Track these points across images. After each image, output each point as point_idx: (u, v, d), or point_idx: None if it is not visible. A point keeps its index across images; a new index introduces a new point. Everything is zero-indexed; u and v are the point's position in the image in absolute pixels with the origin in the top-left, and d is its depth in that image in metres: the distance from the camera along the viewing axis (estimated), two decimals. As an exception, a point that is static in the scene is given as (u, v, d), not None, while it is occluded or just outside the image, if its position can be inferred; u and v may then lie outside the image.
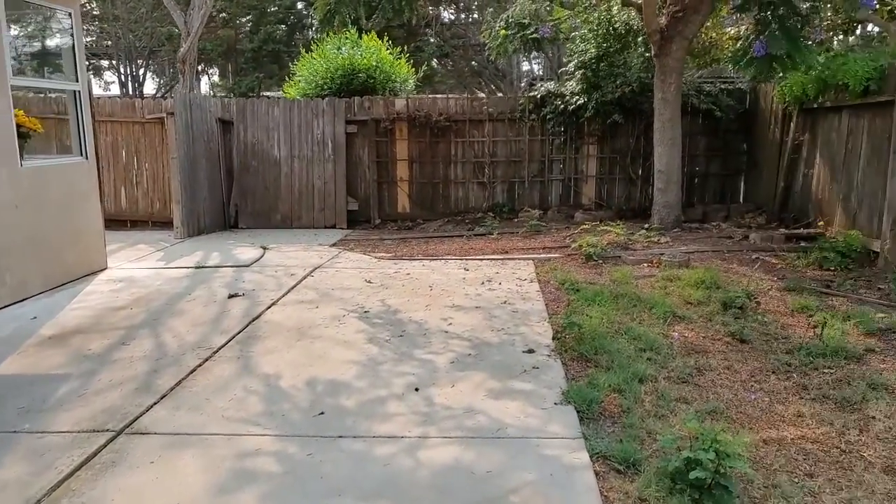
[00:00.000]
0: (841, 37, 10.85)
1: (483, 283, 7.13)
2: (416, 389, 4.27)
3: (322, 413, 3.94)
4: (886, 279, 6.66)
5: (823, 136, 8.90)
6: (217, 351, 5.05)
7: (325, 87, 12.46)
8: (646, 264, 7.71)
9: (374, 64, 12.49)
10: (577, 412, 3.87)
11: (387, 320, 5.81)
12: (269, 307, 6.26)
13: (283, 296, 6.69)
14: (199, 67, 31.23)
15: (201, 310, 6.21)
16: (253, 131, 11.85)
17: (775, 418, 3.89)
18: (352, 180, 11.96)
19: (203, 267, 8.18)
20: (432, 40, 28.19)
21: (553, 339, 5.16)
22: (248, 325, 5.68)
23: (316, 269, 8.01)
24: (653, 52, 9.20)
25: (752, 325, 5.43)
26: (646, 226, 9.61)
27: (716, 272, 6.90)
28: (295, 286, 7.11)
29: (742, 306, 5.69)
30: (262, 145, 11.85)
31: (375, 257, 8.77)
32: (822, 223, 8.63)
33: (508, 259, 8.39)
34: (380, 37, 13.40)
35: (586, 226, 9.82)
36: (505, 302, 6.32)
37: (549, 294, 6.59)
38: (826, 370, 4.55)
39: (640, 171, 11.41)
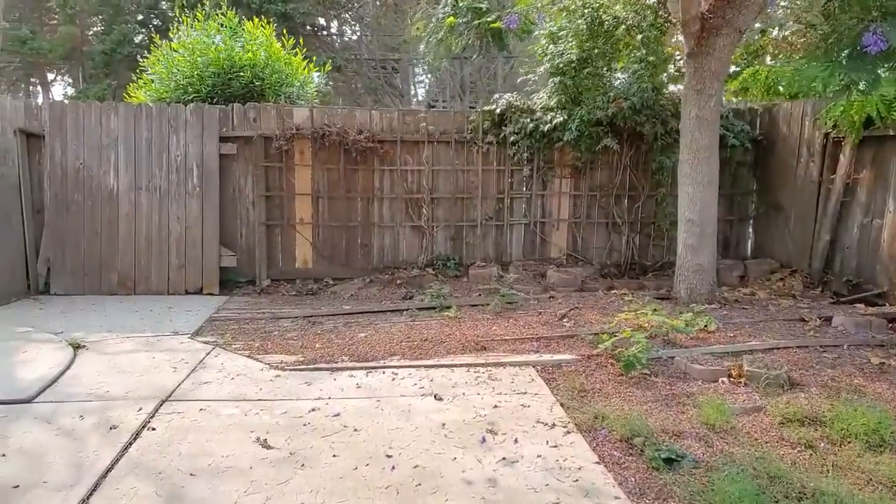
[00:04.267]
0: None
1: (482, 440, 3.86)
2: None
3: None
4: None
5: (904, 174, 6.49)
6: None
7: (191, 89, 8.74)
8: (725, 379, 4.78)
9: (263, 60, 8.94)
10: None
11: None
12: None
13: (76, 512, 3.08)
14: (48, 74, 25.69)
15: None
16: (76, 150, 7.90)
17: None
18: (228, 223, 8.30)
19: (-65, 405, 4.29)
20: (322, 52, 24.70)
21: None
22: None
23: (163, 403, 4.39)
24: (686, 50, 6.42)
25: None
26: (655, 293, 6.77)
27: (859, 405, 4.06)
28: (112, 469, 3.49)
29: None
30: (90, 171, 7.92)
31: (270, 365, 5.25)
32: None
33: (494, 365, 5.18)
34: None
35: (581, 294, 6.81)
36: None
37: (624, 476, 3.43)
38: None
39: (625, 215, 8.62)
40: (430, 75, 27.26)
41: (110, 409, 4.27)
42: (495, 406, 4.36)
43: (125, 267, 7.98)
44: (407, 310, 6.99)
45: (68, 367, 5.08)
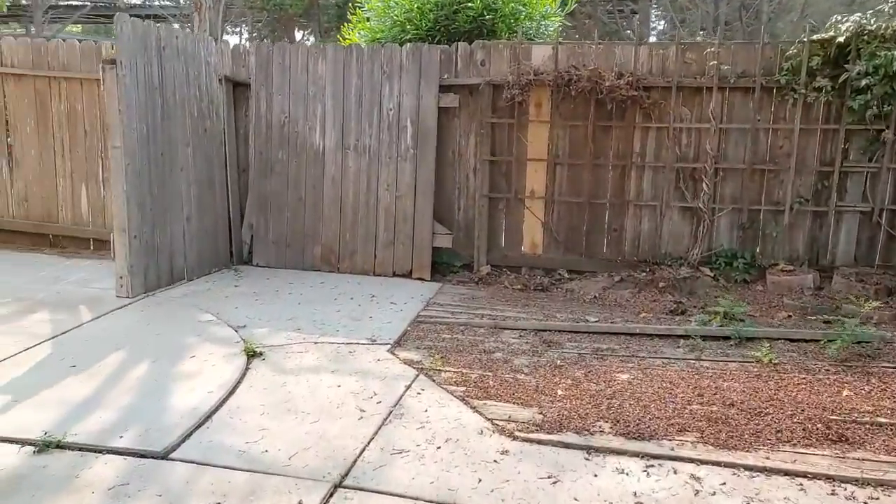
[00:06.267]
0: None
1: None
2: None
3: None
4: None
5: None
6: None
7: (409, 26, 7.22)
8: None
9: (495, -13, 7.09)
10: None
11: None
12: None
13: None
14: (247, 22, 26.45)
15: None
16: (282, 102, 6.80)
17: None
18: (443, 194, 6.73)
19: (50, 446, 3.17)
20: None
21: None
22: None
23: (335, 490, 2.85)
24: None
25: None
26: None
27: None
28: None
29: None
30: (295, 125, 6.79)
31: (494, 424, 3.50)
32: None
33: (875, 483, 2.91)
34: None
35: None
36: None
37: None
38: None
39: None
40: (668, 15, 23.48)
41: (260, 492, 2.82)
42: None
43: (329, 240, 6.80)
44: (686, 337, 4.85)
45: (232, 392, 3.81)
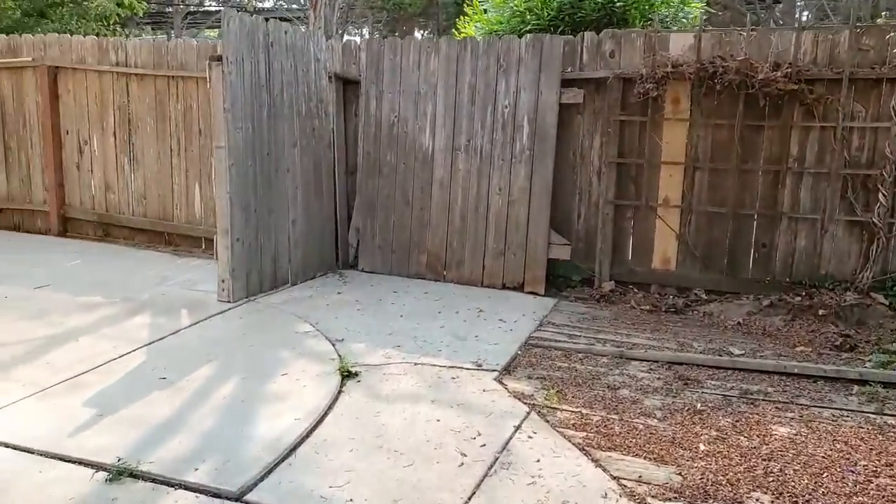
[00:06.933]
0: None
1: None
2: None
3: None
4: None
5: None
6: None
7: (529, 16, 6.66)
8: None
9: (627, -30, 6.37)
10: None
11: None
12: None
13: None
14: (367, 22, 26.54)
15: None
16: (392, 100, 6.44)
17: None
18: (561, 200, 6.09)
19: (122, 475, 2.89)
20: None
21: None
22: None
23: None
24: None
25: None
26: None
27: None
28: None
29: None
30: (404, 125, 6.41)
31: (622, 486, 2.88)
32: None
33: None
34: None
35: None
36: None
37: None
38: None
39: None
40: (818, 3, 21.25)
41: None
42: None
43: (435, 247, 6.37)
44: (861, 382, 3.97)
45: (320, 421, 3.41)
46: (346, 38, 24.19)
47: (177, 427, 3.30)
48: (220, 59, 5.07)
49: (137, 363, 4.12)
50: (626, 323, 5.21)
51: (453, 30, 8.74)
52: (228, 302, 5.37)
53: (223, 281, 5.43)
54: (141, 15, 12.01)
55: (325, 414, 3.50)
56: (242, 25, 5.23)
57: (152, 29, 26.09)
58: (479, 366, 4.22)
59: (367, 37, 29.00)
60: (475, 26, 7.43)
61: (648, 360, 4.39)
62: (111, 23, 11.04)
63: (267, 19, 5.60)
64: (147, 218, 7.55)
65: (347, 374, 3.98)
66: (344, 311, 5.28)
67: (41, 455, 3.03)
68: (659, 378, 4.13)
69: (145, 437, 3.18)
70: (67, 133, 7.67)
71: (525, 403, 3.70)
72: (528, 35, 5.97)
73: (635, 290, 5.87)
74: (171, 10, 24.19)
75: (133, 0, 11.12)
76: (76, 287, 5.67)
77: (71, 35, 7.65)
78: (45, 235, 7.81)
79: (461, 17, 8.04)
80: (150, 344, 4.44)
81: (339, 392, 3.77)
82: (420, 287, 6.10)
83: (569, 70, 5.88)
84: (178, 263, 6.74)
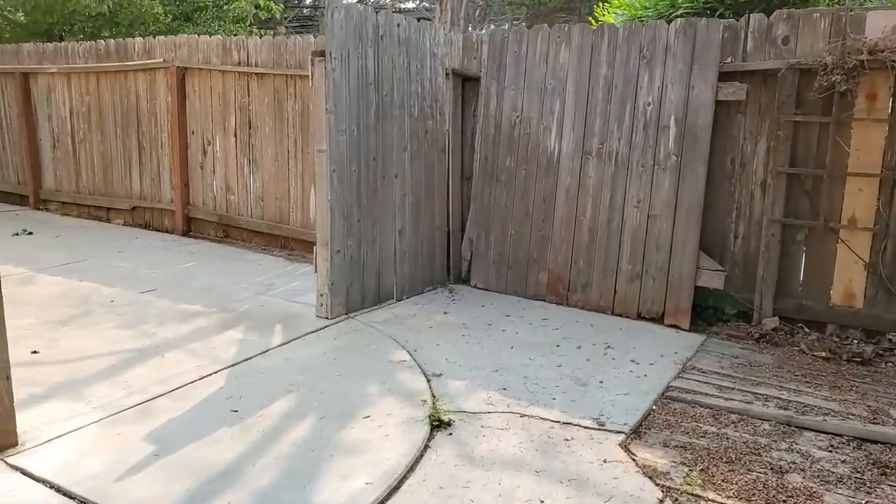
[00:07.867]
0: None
1: None
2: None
3: None
4: None
5: None
6: None
7: (682, 2, 5.65)
8: None
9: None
10: None
11: None
12: None
13: None
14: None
15: None
16: (514, 98, 5.72)
17: None
18: (714, 216, 5.07)
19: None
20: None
21: None
22: None
23: None
24: None
25: None
26: None
27: None
28: None
29: None
30: (527, 126, 5.68)
31: None
32: None
33: None
34: None
35: None
36: None
37: None
38: None
39: None
40: None
41: None
42: None
43: (558, 265, 5.57)
44: None
45: (396, 488, 2.79)
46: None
47: (232, 479, 2.81)
48: (322, 54, 4.62)
49: (214, 389, 3.73)
50: (794, 373, 4.14)
51: (589, 18, 7.84)
52: (326, 318, 4.92)
53: (321, 295, 4.99)
54: (277, 17, 12.15)
55: (404, 478, 2.87)
56: (349, 17, 4.74)
57: (295, 31, 27.13)
58: (602, 424, 3.41)
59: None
60: (615, 13, 6.52)
61: (828, 433, 3.36)
62: (248, 24, 11.22)
63: (377, 10, 5.09)
64: (264, 220, 7.38)
65: (438, 424, 3.33)
66: (448, 337, 4.65)
67: (80, 502, 2.65)
68: (844, 461, 3.11)
69: (193, 492, 2.72)
70: (193, 133, 7.69)
71: (658, 485, 2.86)
72: (679, 20, 5.02)
73: (806, 330, 4.73)
74: (316, 14, 24.95)
75: (269, 2, 11.23)
76: (180, 293, 5.50)
77: (210, 36, 7.64)
78: (171, 234, 7.90)
79: (599, 5, 7.18)
80: (233, 365, 4.06)
81: (426, 447, 3.13)
82: (538, 311, 5.34)
83: (728, 60, 4.86)
84: (289, 269, 6.46)
